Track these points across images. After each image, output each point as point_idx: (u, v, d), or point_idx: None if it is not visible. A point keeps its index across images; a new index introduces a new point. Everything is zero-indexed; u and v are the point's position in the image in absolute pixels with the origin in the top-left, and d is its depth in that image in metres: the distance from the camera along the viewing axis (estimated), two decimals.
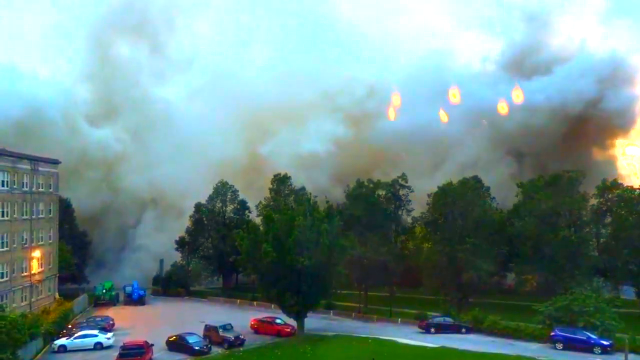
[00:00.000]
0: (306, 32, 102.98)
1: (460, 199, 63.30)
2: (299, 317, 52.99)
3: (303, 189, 73.37)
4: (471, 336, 53.12)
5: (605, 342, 46.15)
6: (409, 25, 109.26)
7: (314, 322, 56.64)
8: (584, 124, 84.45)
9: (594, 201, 64.72)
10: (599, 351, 45.69)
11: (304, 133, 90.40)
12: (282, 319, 55.27)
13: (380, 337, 51.96)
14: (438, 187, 65.92)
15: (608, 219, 64.98)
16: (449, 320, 56.14)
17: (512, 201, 68.21)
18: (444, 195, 65.01)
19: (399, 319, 61.09)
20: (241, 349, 48.42)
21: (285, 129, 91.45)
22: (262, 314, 59.24)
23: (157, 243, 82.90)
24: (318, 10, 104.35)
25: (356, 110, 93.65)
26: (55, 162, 66.67)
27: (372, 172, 78.02)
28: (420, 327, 56.26)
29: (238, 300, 72.34)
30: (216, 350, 47.94)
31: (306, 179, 77.61)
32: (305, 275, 50.68)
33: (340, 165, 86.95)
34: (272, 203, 72.33)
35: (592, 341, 46.46)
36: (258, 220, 61.43)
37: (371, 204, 70.27)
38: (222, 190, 79.62)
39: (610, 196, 64.21)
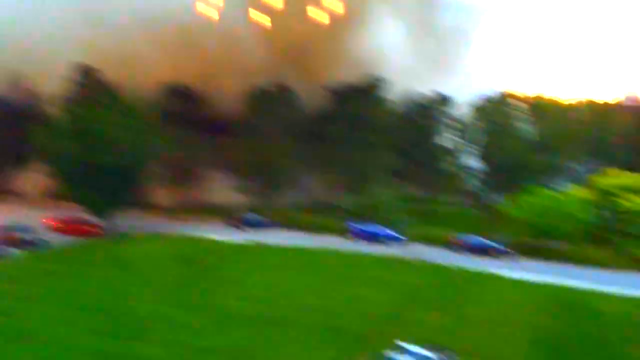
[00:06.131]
0: None
1: (271, 101, 64.39)
2: (106, 216, 51.15)
3: (111, 82, 68.28)
4: (279, 232, 55.97)
5: (395, 234, 51.79)
6: None
7: (123, 221, 55.09)
8: None
9: (395, 107, 69.83)
10: (391, 243, 51.25)
11: None
12: (88, 218, 52.93)
13: (193, 234, 52.48)
14: (256, 88, 66.09)
15: (406, 124, 70.88)
16: (259, 217, 58.40)
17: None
18: (257, 97, 65.54)
19: (211, 216, 61.97)
20: (43, 250, 45.68)
21: None
22: (65, 214, 55.99)
23: None
24: None
25: None
26: None
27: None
28: (230, 224, 57.75)
29: (36, 199, 67.26)
30: (15, 253, 44.66)
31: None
32: (113, 173, 48.57)
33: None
34: (75, 95, 66.52)
35: (386, 234, 51.82)
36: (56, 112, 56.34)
37: (187, 99, 68.24)
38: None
39: (409, 103, 69.88)
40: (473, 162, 63.33)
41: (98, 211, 50.51)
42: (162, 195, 65.77)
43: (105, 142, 47.49)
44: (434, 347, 22.41)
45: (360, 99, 65.59)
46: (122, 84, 59.79)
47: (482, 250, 48.28)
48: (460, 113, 67.49)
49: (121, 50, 68.43)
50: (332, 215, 57.43)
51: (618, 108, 73.44)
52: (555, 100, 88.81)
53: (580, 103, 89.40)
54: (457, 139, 65.46)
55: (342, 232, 53.97)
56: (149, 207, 64.65)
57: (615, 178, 50.21)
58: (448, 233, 52.72)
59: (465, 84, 71.27)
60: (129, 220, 56.83)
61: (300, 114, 66.84)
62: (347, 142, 62.53)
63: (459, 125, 66.19)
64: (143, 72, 66.72)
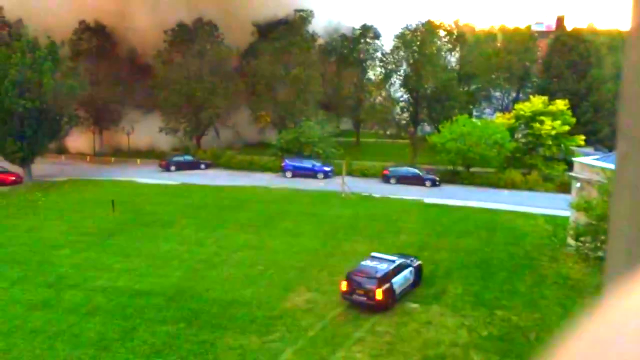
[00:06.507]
0: None
1: (196, 38, 62.43)
2: (25, 163, 48.94)
3: (20, 21, 63.77)
4: (210, 171, 55.47)
5: (326, 168, 52.39)
6: None
7: (43, 168, 52.85)
8: None
9: (321, 41, 69.09)
10: (322, 176, 51.87)
11: None
12: (5, 167, 50.55)
13: (119, 178, 51.16)
14: (177, 25, 63.62)
15: (333, 58, 70.46)
16: (188, 158, 57.47)
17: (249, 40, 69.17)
18: (181, 34, 63.18)
19: (138, 160, 60.43)
20: None
21: None
22: None
23: None
24: None
25: None
26: None
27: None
28: (160, 166, 56.62)
29: None
30: None
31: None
32: (30, 119, 46.26)
33: None
34: None
35: (316, 168, 52.36)
36: None
37: (104, 36, 64.99)
38: None
39: (335, 36, 69.22)
40: (400, 93, 64.07)
41: (14, 158, 48.17)
42: (84, 139, 63.36)
43: (17, 85, 44.84)
44: (402, 255, 26.81)
45: (287, 33, 64.42)
46: (31, 23, 55.81)
47: (411, 180, 49.61)
48: (386, 44, 67.55)
49: None
50: (264, 153, 57.30)
51: (531, 34, 75.31)
52: (472, 27, 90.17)
53: (493, 29, 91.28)
54: (383, 70, 65.66)
55: (275, 169, 54.06)
56: (71, 152, 62.34)
57: (533, 104, 52.13)
58: (378, 164, 53.84)
59: (390, 15, 71.07)
60: (49, 166, 54.70)
61: (224, 49, 65.07)
62: (275, 77, 61.63)
63: (385, 57, 66.25)
64: (49, 11, 62.28)
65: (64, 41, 54.69)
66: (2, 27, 61.74)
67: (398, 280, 24.41)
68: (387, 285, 23.59)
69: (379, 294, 23.16)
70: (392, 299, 23.96)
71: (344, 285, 23.99)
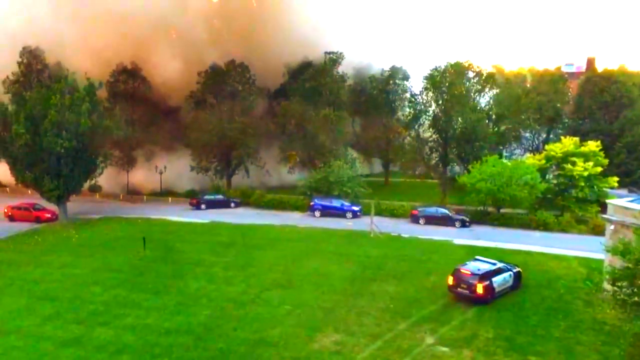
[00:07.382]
0: None
1: (229, 80, 63.84)
2: (61, 201, 50.11)
3: (58, 64, 66.27)
4: (240, 210, 55.99)
5: (355, 208, 52.31)
6: None
7: (78, 206, 54.15)
8: None
9: (351, 82, 69.90)
10: (350, 216, 51.76)
11: None
12: (41, 204, 51.81)
13: (151, 216, 51.93)
14: (210, 67, 65.26)
15: (362, 99, 71.14)
16: (219, 196, 58.15)
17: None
18: (214, 75, 64.68)
19: (170, 199, 61.34)
20: None
21: None
22: (17, 201, 54.64)
23: None
24: None
25: None
26: None
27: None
28: (191, 204, 57.35)
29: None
30: None
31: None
32: (67, 158, 47.62)
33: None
34: (22, 79, 64.32)
35: (345, 208, 52.31)
36: (6, 99, 54.68)
37: (140, 78, 66.99)
38: None
39: (364, 78, 70.10)
40: (429, 133, 64.03)
41: (51, 196, 49.38)
42: (117, 177, 64.69)
43: (56, 125, 46.34)
44: (503, 262, 30.91)
45: (317, 74, 65.50)
46: (67, 64, 57.67)
47: (440, 220, 49.19)
48: (415, 85, 67.97)
49: (54, 31, 65.37)
50: (293, 192, 57.64)
51: (561, 75, 75.09)
52: (501, 68, 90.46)
53: (523, 70, 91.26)
54: (412, 111, 65.80)
55: (304, 208, 54.23)
56: (104, 190, 63.59)
57: (564, 145, 51.54)
58: (407, 204, 53.58)
59: (419, 56, 71.85)
60: (83, 205, 55.86)
61: (255, 90, 66.35)
62: (305, 117, 62.36)
63: (414, 98, 66.49)
64: (86, 55, 64.25)
65: (102, 82, 56.45)
66: (42, 70, 64.43)
67: (498, 280, 28.63)
68: (487, 282, 27.94)
69: (479, 289, 27.66)
70: (491, 296, 28.28)
71: (450, 280, 28.74)
